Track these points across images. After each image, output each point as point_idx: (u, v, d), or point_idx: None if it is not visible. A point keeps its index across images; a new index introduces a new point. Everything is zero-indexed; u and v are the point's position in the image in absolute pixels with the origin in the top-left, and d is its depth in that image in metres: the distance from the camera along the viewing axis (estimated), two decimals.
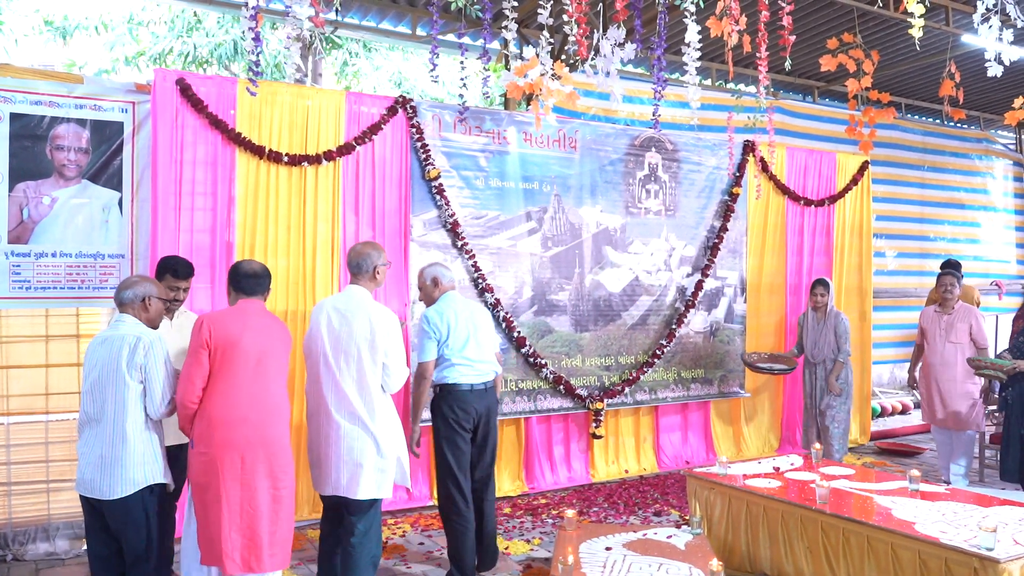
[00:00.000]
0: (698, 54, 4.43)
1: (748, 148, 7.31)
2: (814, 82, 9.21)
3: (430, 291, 4.36)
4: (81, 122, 4.90)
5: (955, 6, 7.08)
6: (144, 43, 12.98)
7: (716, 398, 7.21)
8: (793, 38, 4.49)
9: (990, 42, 4.90)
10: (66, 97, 4.87)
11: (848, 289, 8.06)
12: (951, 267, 7.39)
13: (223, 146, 5.09)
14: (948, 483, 6.03)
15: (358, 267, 3.79)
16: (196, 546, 3.46)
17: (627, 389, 6.63)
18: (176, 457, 3.78)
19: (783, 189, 7.56)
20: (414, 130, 5.73)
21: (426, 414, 4.50)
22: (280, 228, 5.28)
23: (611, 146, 6.64)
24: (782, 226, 7.61)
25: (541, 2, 4.37)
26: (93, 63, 13.39)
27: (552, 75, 4.74)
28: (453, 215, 5.84)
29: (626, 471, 6.71)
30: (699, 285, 7.02)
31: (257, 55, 3.64)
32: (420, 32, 7.50)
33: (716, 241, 7.13)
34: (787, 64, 4.84)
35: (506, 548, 4.88)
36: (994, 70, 4.99)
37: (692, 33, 4.35)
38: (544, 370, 6.20)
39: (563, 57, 6.60)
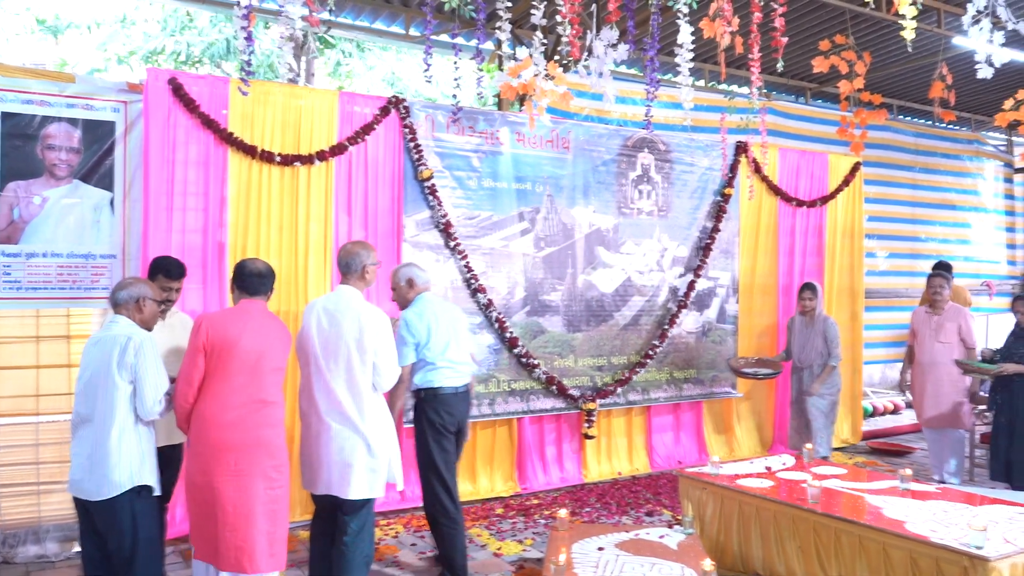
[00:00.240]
0: (691, 55, 4.45)
1: (740, 149, 7.33)
2: (806, 83, 9.24)
3: (404, 292, 4.30)
4: (73, 121, 4.88)
5: (946, 8, 7.12)
6: (136, 42, 12.94)
7: (708, 398, 7.23)
8: (785, 40, 4.51)
9: (980, 44, 4.93)
10: (57, 96, 4.85)
11: (840, 290, 8.09)
12: (942, 268, 7.46)
13: (215, 146, 5.08)
14: (942, 482, 6.05)
15: (348, 266, 3.79)
16: None
17: (619, 389, 6.64)
18: (169, 458, 3.78)
19: (775, 190, 7.58)
20: (407, 130, 5.73)
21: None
22: (272, 228, 5.27)
23: (604, 147, 6.65)
24: (774, 227, 7.63)
25: (535, 2, 4.37)
26: (85, 62, 13.35)
27: (545, 76, 4.75)
28: (446, 216, 5.84)
29: (619, 471, 6.72)
30: (691, 285, 7.03)
31: (249, 54, 3.63)
32: (414, 32, 7.51)
33: (708, 242, 7.15)
34: (779, 65, 4.86)
35: (499, 549, 4.89)
36: (984, 72, 5.01)
37: (685, 34, 4.36)
38: (537, 370, 6.21)
39: (556, 58, 6.61)
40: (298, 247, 5.35)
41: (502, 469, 6.21)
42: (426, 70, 4.47)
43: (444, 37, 7.14)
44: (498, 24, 4.36)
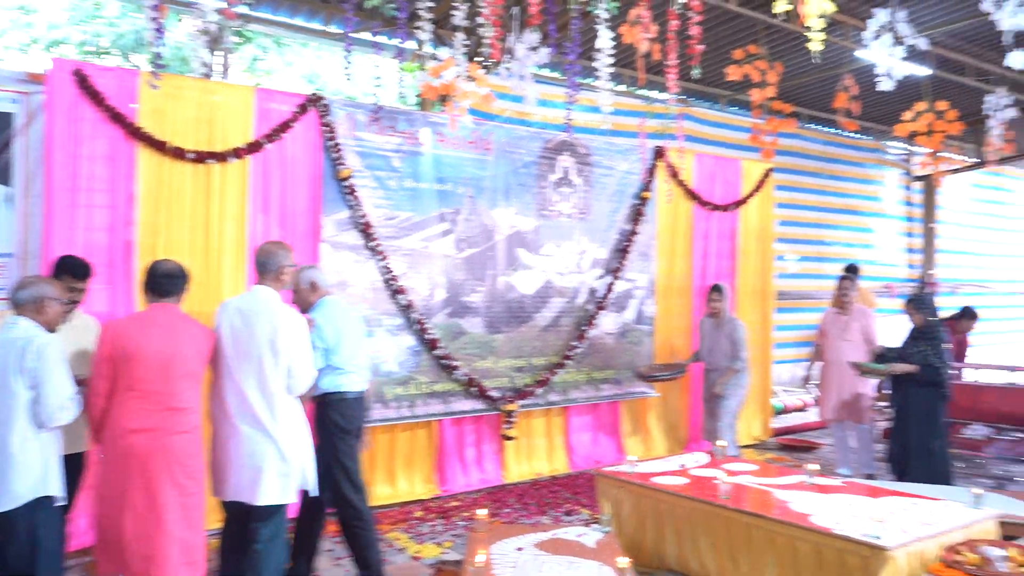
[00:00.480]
0: (610, 60, 4.52)
1: (658, 154, 7.49)
2: (722, 91, 9.50)
3: (307, 295, 4.16)
4: None
5: (851, 23, 7.44)
6: (39, 31, 12.33)
7: (626, 398, 7.35)
8: (701, 48, 4.63)
9: (882, 58, 5.17)
10: None
11: (751, 291, 8.35)
12: (851, 271, 7.84)
13: (123, 141, 4.88)
14: (847, 476, 6.32)
15: (264, 266, 3.70)
16: None
17: (539, 390, 6.69)
18: (71, 467, 3.62)
19: (691, 194, 7.77)
20: (326, 129, 5.64)
21: None
22: (184, 227, 5.10)
23: (525, 148, 6.69)
24: (690, 230, 7.82)
25: (456, 3, 4.37)
26: None
27: (467, 77, 4.75)
28: (365, 216, 5.78)
29: (538, 472, 6.77)
30: (610, 287, 7.14)
31: (160, 47, 3.51)
32: (334, 29, 7.39)
33: (627, 244, 7.28)
34: (696, 73, 4.99)
35: (417, 552, 4.86)
36: (885, 84, 5.26)
37: (604, 40, 4.43)
38: (457, 372, 6.20)
39: (478, 59, 6.62)
40: (212, 247, 5.19)
41: (422, 471, 6.18)
42: (346, 68, 4.41)
43: (365, 35, 7.05)
44: (419, 24, 4.34)
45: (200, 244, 5.15)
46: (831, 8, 4.09)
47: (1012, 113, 6.54)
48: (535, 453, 6.87)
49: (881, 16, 5.25)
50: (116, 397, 3.29)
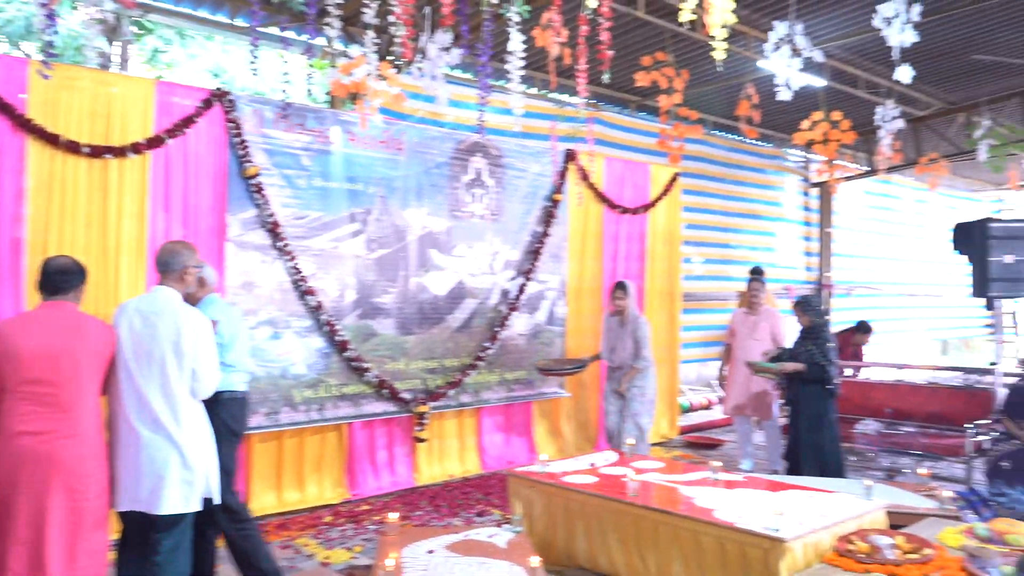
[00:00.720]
0: (522, 63, 4.55)
1: (570, 157, 7.59)
2: (631, 96, 9.69)
3: (194, 293, 3.98)
4: None
5: (753, 34, 7.71)
6: None
7: (537, 398, 7.41)
8: (611, 53, 4.71)
9: (781, 68, 5.38)
10: None
11: (659, 293, 8.55)
12: (758, 273, 8.16)
13: (11, 134, 4.61)
14: (749, 471, 6.55)
15: (166, 266, 3.56)
16: None
17: (451, 391, 6.67)
18: None
19: (601, 197, 7.91)
20: (232, 125, 5.48)
21: None
22: (79, 225, 4.86)
23: (437, 149, 6.67)
24: (600, 232, 7.95)
25: (367, 1, 4.31)
26: None
27: (378, 76, 4.70)
28: (273, 215, 5.64)
29: (450, 474, 6.75)
30: (522, 288, 7.19)
31: (52, 35, 3.34)
32: (240, 23, 7.17)
33: (538, 246, 7.34)
34: (606, 78, 5.07)
35: (327, 558, 4.77)
36: (784, 94, 5.48)
37: (516, 42, 4.45)
38: (368, 374, 6.12)
39: (390, 58, 6.55)
40: (108, 246, 4.97)
41: (331, 475, 6.07)
42: (252, 63, 4.30)
43: (273, 30, 6.88)
44: (328, 20, 4.26)
45: (96, 243, 4.92)
46: (733, 19, 4.22)
47: (900, 124, 6.91)
48: (447, 455, 6.85)
49: (780, 28, 5.46)
50: (3, 400, 3.15)
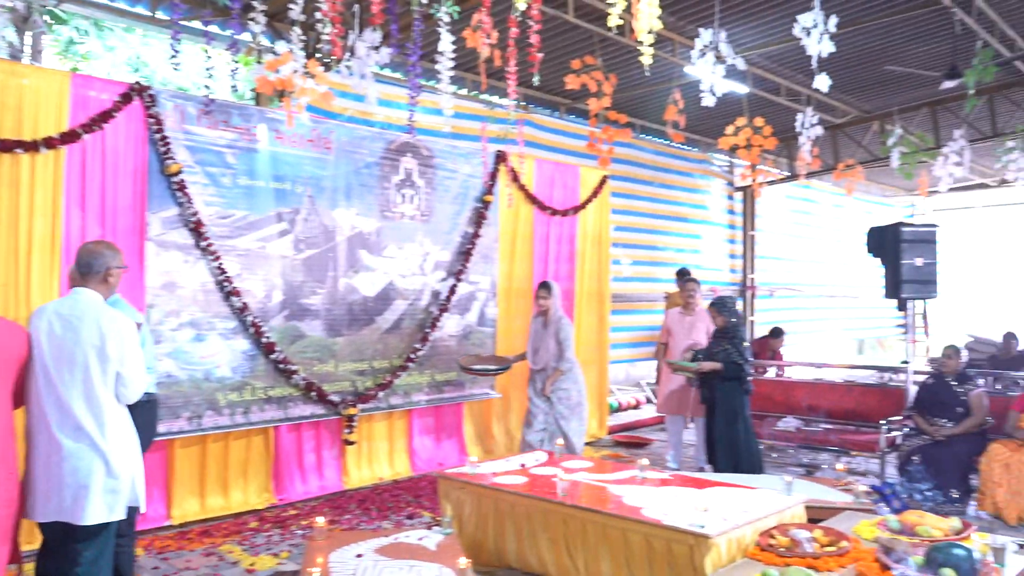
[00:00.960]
0: (451, 63, 4.54)
1: (500, 158, 7.61)
2: (561, 99, 9.78)
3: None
4: None
5: (680, 40, 7.87)
6: None
7: (468, 400, 7.41)
8: (540, 56, 4.73)
9: (706, 74, 5.50)
10: None
11: (588, 294, 8.65)
12: (685, 275, 8.33)
13: None
14: (676, 469, 6.68)
15: (88, 267, 3.41)
16: None
17: (381, 394, 6.61)
18: None
19: (531, 199, 7.95)
20: (152, 120, 5.31)
21: None
22: None
23: (367, 149, 6.60)
24: (530, 234, 8.00)
25: None
26: None
27: (305, 73, 4.62)
28: (196, 214, 5.49)
29: (380, 476, 6.69)
30: (453, 289, 7.17)
31: None
32: (161, 15, 6.96)
33: (469, 247, 7.33)
34: (535, 80, 5.10)
35: (252, 564, 4.67)
36: (708, 100, 5.61)
37: (446, 43, 4.44)
38: (295, 376, 6.01)
39: (318, 55, 6.45)
40: (19, 245, 4.75)
41: (257, 480, 5.94)
42: (173, 56, 4.17)
43: (196, 24, 6.69)
44: (252, 15, 4.17)
45: (6, 241, 4.71)
46: (659, 25, 4.30)
47: (819, 131, 7.16)
48: (377, 457, 6.78)
49: (705, 36, 5.59)
50: None
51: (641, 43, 4.34)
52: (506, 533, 4.39)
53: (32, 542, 4.09)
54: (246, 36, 6.53)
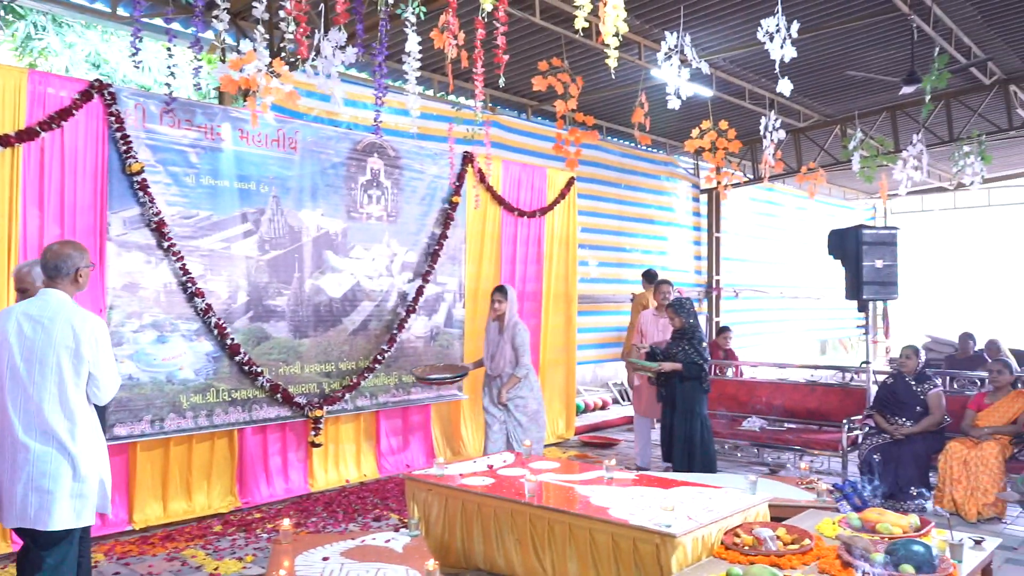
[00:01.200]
0: (418, 64, 4.53)
1: (467, 159, 7.60)
2: (528, 100, 9.80)
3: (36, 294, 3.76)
4: None
5: (645, 43, 7.93)
6: None
7: (436, 401, 7.39)
8: (507, 57, 4.74)
9: (671, 77, 5.55)
10: None
11: (556, 295, 8.67)
12: (651, 276, 8.39)
13: None
14: (644, 468, 6.73)
15: (57, 269, 3.35)
16: None
17: (348, 395, 6.56)
18: None
19: (499, 200, 7.96)
20: (113, 119, 5.22)
21: None
22: None
23: (333, 149, 6.55)
24: (498, 235, 8.00)
25: None
26: None
27: (270, 72, 4.57)
28: (159, 213, 5.41)
29: (346, 479, 6.64)
30: (420, 291, 7.15)
31: None
32: (122, 12, 6.84)
33: (437, 248, 7.31)
34: (501, 81, 5.11)
35: (216, 569, 4.61)
36: (673, 103, 5.66)
37: (412, 43, 4.43)
38: (260, 378, 5.94)
39: (283, 55, 6.39)
40: None
41: (221, 483, 5.86)
42: (134, 54, 4.10)
43: (158, 21, 6.59)
44: (216, 13, 4.12)
45: None
46: (625, 28, 4.33)
47: (782, 135, 7.25)
48: (343, 459, 6.73)
49: (671, 39, 5.64)
50: None
51: (607, 46, 4.37)
52: (473, 534, 4.38)
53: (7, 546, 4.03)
54: (209, 34, 6.45)
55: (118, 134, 5.24)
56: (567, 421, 8.79)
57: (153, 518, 5.43)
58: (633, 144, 11.34)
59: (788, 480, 5.42)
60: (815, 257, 14.30)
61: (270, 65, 4.48)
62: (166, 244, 5.46)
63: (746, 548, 3.55)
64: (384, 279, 6.94)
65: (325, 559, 3.66)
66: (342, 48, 4.44)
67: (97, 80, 5.22)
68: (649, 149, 12.04)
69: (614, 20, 4.18)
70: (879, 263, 6.97)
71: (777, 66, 5.37)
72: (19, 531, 3.26)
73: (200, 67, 4.56)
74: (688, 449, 6.18)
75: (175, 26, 4.52)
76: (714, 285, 13.01)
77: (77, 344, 3.22)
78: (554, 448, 8.16)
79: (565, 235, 8.81)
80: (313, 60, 4.49)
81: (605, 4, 4.22)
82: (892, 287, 7.10)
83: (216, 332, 5.72)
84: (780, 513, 4.35)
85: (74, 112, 5.05)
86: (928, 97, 7.35)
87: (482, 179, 7.71)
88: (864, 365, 7.59)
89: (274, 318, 6.14)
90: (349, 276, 6.66)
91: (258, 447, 6.13)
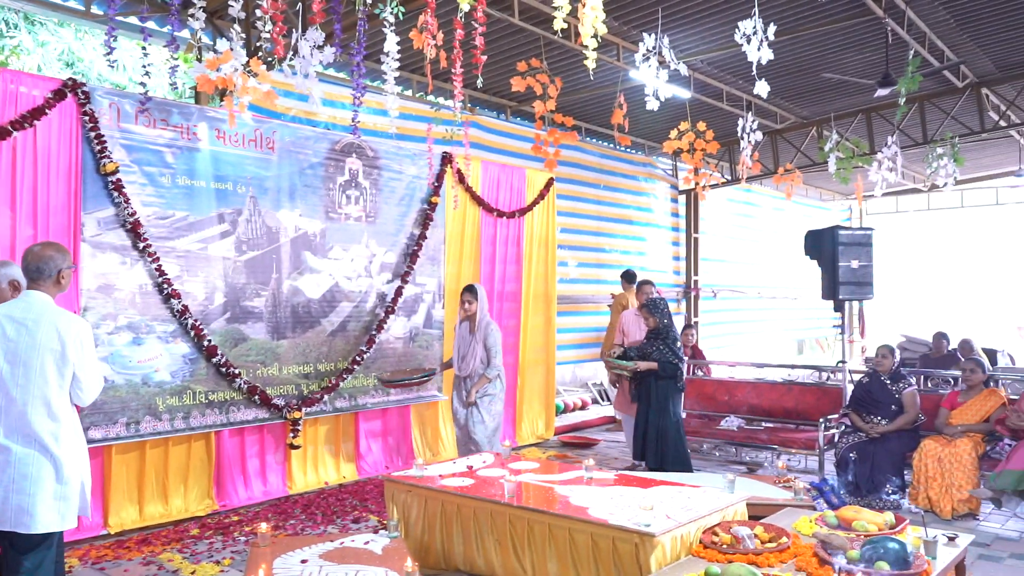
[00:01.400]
0: (396, 64, 4.51)
1: (446, 160, 7.59)
2: (506, 101, 9.80)
3: (6, 296, 3.71)
4: None
5: (624, 44, 7.96)
6: None
7: (415, 402, 7.37)
8: (485, 58, 4.74)
9: (649, 79, 5.58)
10: None
11: (535, 296, 8.68)
12: (630, 277, 8.44)
13: None
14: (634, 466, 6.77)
15: (39, 272, 3.32)
16: None
17: (326, 397, 6.53)
18: None
19: (478, 200, 7.95)
20: (87, 118, 5.16)
21: None
22: None
23: (311, 149, 6.51)
24: (477, 236, 7.99)
25: None
26: None
27: (248, 71, 4.54)
28: (134, 214, 5.35)
29: (325, 481, 6.61)
30: (399, 291, 7.13)
31: None
32: (96, 10, 6.76)
33: (416, 248, 7.30)
34: (480, 82, 5.10)
35: (193, 573, 4.56)
36: (652, 104, 5.68)
37: (391, 43, 4.41)
38: (238, 380, 5.90)
39: (260, 54, 6.34)
40: None
41: (198, 486, 5.81)
42: (108, 53, 4.06)
43: (133, 19, 6.52)
44: (192, 12, 4.09)
45: None
46: (603, 29, 4.34)
47: (759, 136, 7.31)
48: (322, 461, 6.69)
49: (649, 41, 5.67)
50: None
51: (586, 47, 4.38)
52: (453, 535, 4.37)
53: None
54: (185, 33, 6.40)
55: (92, 134, 5.18)
56: (547, 421, 8.80)
57: (129, 522, 5.37)
58: (612, 145, 11.38)
59: (765, 479, 5.46)
60: (792, 257, 14.46)
61: (247, 64, 4.45)
62: (141, 245, 5.41)
63: (724, 547, 3.57)
64: (363, 280, 6.91)
65: (304, 562, 3.64)
66: (320, 48, 4.41)
67: (71, 79, 5.16)
68: (628, 150, 12.08)
69: (592, 21, 4.19)
70: (855, 263, 7.05)
71: (754, 68, 5.41)
72: (4, 535, 3.21)
73: (176, 66, 4.52)
74: (661, 447, 6.27)
75: (150, 24, 4.47)
76: (692, 285, 13.08)
77: (63, 346, 3.22)
78: (534, 448, 8.17)
79: (544, 235, 8.82)
80: (291, 60, 4.47)
81: (584, 5, 4.23)
82: (868, 287, 7.18)
83: (193, 334, 5.66)
84: (758, 512, 4.38)
85: (47, 111, 4.98)
86: (903, 100, 7.45)
87: (461, 180, 7.70)
88: (840, 364, 7.67)
89: (252, 319, 6.09)
90: (327, 277, 6.63)
91: (236, 449, 6.07)
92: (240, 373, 5.92)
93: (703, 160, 7.71)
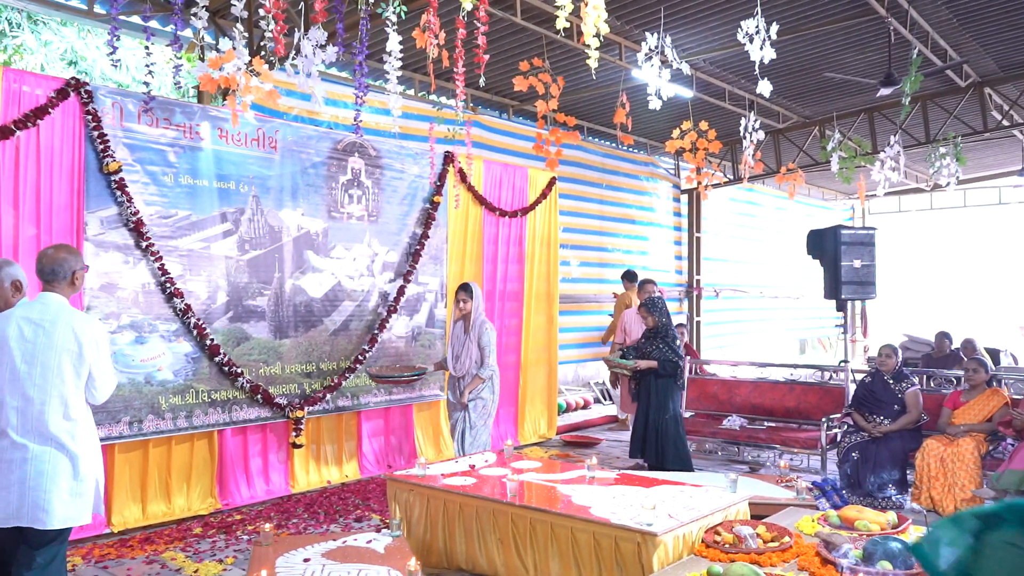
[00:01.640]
0: (399, 63, 4.52)
1: (448, 159, 7.59)
2: (508, 100, 9.80)
3: (8, 297, 3.67)
4: None
5: (626, 44, 7.96)
6: None
7: (417, 401, 7.37)
8: (487, 57, 4.74)
9: (651, 78, 5.57)
10: None
11: (537, 295, 8.68)
12: (632, 277, 8.45)
13: None
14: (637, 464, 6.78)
15: (54, 273, 3.34)
16: None
17: (329, 396, 6.53)
18: None
19: (480, 200, 7.95)
20: (90, 117, 5.17)
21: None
22: None
23: (313, 148, 6.52)
24: (479, 235, 8.00)
25: None
26: None
27: (250, 71, 4.54)
28: (137, 213, 5.36)
29: (328, 480, 6.61)
30: (401, 291, 7.13)
31: None
32: (99, 10, 6.77)
33: (418, 248, 7.30)
34: (482, 81, 5.11)
35: (196, 571, 4.57)
36: (654, 103, 5.68)
37: (393, 42, 4.42)
38: (240, 379, 5.90)
39: (263, 53, 6.35)
40: None
41: (201, 485, 5.82)
42: (111, 53, 4.06)
43: (136, 19, 6.53)
44: (194, 11, 4.09)
45: None
46: (605, 28, 4.34)
47: (761, 136, 7.31)
48: (325, 460, 6.70)
49: (651, 40, 5.67)
50: None
51: (588, 46, 4.38)
52: (455, 534, 4.38)
53: None
54: (188, 32, 6.40)
55: (95, 133, 5.18)
56: (549, 421, 8.80)
57: (132, 520, 5.38)
58: (614, 144, 11.38)
59: (768, 478, 5.46)
60: (794, 257, 14.45)
61: (250, 64, 4.45)
62: (144, 244, 5.41)
63: (726, 546, 3.57)
64: (365, 279, 6.91)
65: (306, 560, 3.64)
66: (322, 47, 4.42)
67: (74, 78, 5.17)
68: (630, 149, 12.08)
69: (595, 21, 4.19)
70: (857, 263, 7.05)
71: (757, 68, 5.41)
72: (7, 533, 3.22)
73: (179, 65, 4.52)
74: (660, 444, 6.30)
75: (153, 24, 4.48)
76: (694, 285, 13.07)
77: (80, 347, 3.25)
78: (536, 448, 8.17)
79: (546, 235, 8.82)
80: (293, 59, 4.47)
81: (586, 5, 4.23)
82: (870, 287, 7.18)
83: (195, 333, 5.67)
84: (760, 511, 4.38)
85: (50, 111, 4.99)
86: (907, 100, 7.44)
87: (463, 179, 7.70)
88: (843, 364, 7.66)
89: (254, 318, 6.10)
90: (330, 276, 6.64)
91: (238, 448, 6.08)
92: (243, 372, 5.93)
93: (705, 159, 7.72)
